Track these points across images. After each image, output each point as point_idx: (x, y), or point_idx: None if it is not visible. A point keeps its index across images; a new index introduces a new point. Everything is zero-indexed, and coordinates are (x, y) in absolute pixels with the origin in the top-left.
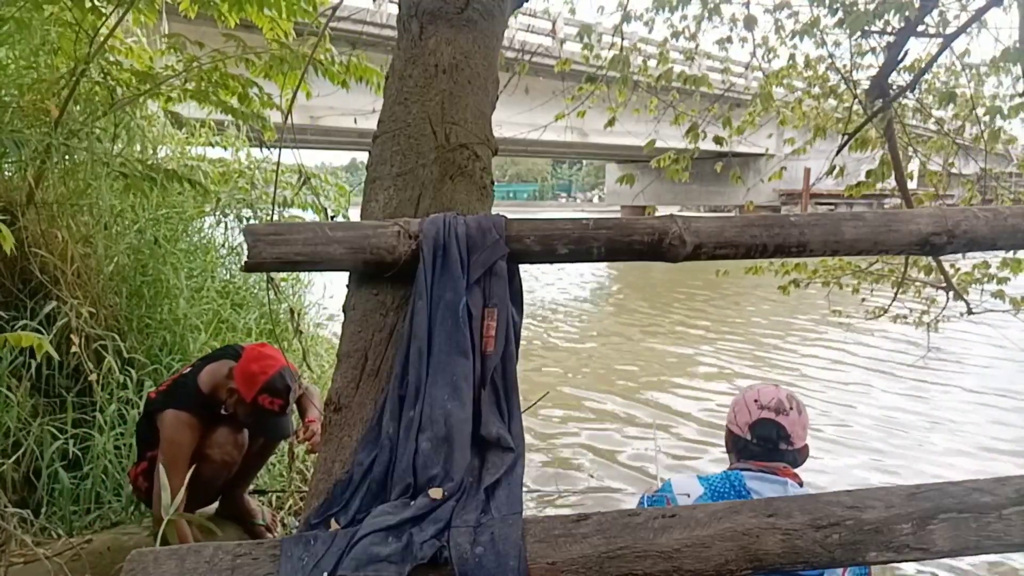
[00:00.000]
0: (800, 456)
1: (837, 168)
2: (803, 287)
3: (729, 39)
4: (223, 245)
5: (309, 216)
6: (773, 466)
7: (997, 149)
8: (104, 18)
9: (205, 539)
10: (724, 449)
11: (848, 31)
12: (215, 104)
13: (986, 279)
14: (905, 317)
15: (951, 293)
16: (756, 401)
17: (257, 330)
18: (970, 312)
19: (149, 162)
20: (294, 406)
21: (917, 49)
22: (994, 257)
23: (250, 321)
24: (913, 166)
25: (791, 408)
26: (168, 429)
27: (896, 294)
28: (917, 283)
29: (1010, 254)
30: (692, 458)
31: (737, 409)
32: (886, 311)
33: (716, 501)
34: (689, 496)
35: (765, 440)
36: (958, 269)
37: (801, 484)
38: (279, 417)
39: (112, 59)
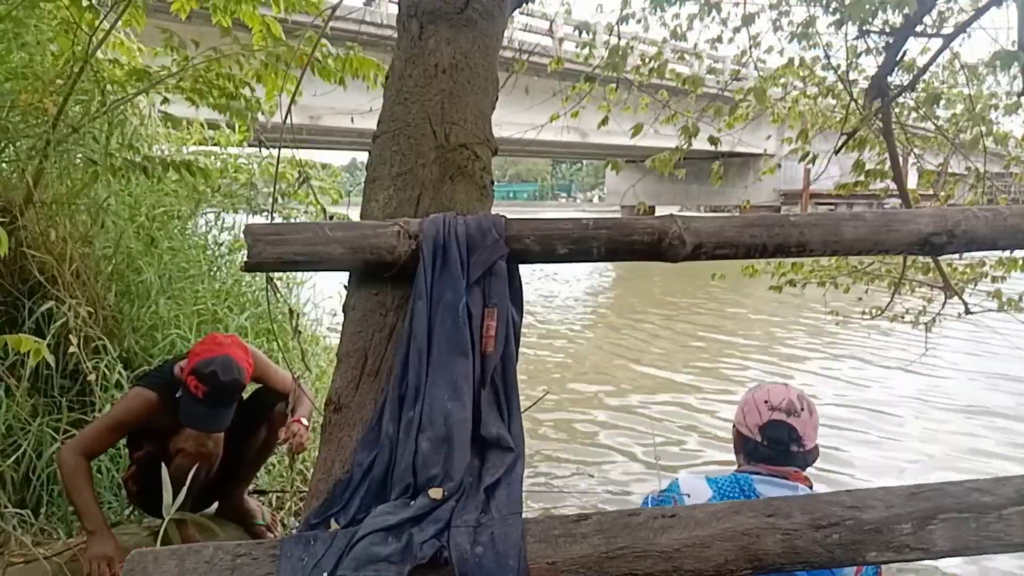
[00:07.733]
0: (810, 457)
1: (839, 169)
2: (800, 288)
3: (719, 39)
4: (221, 244)
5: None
6: (784, 470)
7: (993, 148)
8: (101, 16)
9: (205, 538)
10: (719, 445)
11: (846, 26)
12: (210, 104)
13: (980, 276)
14: (902, 317)
15: (949, 293)
16: (767, 402)
17: (253, 331)
18: (968, 312)
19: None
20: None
21: (915, 49)
22: (990, 255)
23: (243, 320)
24: (913, 175)
25: (802, 409)
26: (125, 398)
27: (894, 294)
28: (914, 282)
29: (1006, 254)
30: (693, 453)
31: (746, 409)
32: (881, 312)
33: None
34: (697, 498)
35: (776, 442)
36: (955, 268)
37: (811, 487)
38: (201, 406)
39: (108, 57)
